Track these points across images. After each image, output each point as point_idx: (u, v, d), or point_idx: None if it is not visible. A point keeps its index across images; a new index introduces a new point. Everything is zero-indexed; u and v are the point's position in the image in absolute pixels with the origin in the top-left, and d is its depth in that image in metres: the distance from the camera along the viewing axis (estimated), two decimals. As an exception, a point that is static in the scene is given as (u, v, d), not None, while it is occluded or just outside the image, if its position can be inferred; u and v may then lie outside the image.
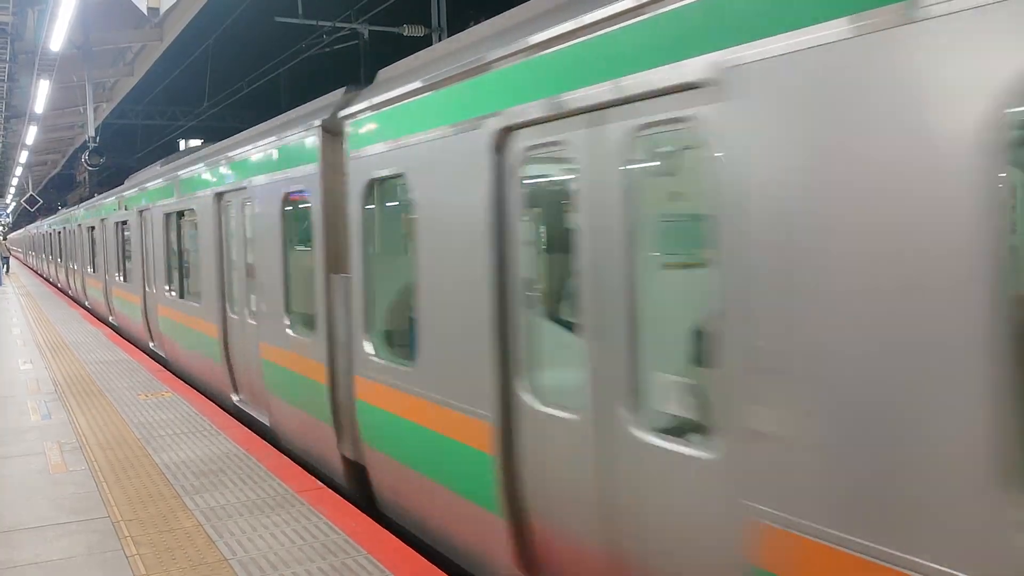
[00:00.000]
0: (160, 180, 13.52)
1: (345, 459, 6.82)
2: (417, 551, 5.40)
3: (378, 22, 21.30)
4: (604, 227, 3.88)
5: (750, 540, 3.07)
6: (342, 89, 7.14)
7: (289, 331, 7.75)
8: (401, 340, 5.87)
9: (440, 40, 20.51)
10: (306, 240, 7.58)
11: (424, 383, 5.32)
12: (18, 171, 39.32)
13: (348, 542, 5.47)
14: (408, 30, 21.00)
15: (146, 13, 9.05)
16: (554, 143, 4.21)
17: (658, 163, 3.91)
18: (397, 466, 5.84)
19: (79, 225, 25.35)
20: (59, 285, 34.38)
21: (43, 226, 44.96)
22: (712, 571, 3.32)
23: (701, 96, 3.24)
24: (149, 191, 14.41)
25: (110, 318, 20.00)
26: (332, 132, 6.92)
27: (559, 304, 4.57)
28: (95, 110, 19.83)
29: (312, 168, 7.14)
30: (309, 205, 7.28)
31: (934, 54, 2.44)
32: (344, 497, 6.42)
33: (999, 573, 2.32)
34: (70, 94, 20.76)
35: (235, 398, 9.89)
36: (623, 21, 3.62)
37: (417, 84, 5.40)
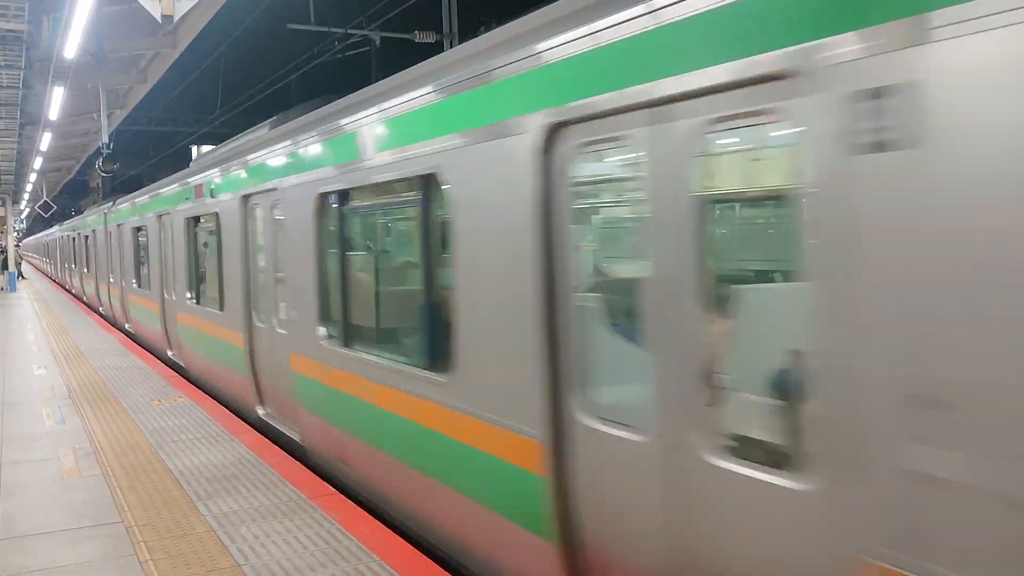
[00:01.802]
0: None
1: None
2: (430, 557, 5.40)
3: (390, 28, 21.35)
4: (263, 250, 9.14)
5: (291, 361, 8.04)
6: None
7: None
8: (214, 297, 10.99)
9: (451, 46, 20.55)
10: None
11: (226, 319, 10.34)
12: (32, 177, 39.57)
13: (361, 548, 5.47)
14: (420, 36, 21.04)
15: (160, 21, 9.11)
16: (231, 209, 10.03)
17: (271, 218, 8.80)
18: (199, 356, 12.28)
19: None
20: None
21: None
22: (285, 374, 8.27)
23: (277, 193, 8.32)
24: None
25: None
26: None
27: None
28: (108, 117, 19.92)
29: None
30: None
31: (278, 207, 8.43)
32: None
33: (321, 354, 7.38)
34: (84, 101, 20.88)
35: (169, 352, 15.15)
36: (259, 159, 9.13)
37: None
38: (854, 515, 2.78)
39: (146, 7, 8.90)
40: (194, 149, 44.82)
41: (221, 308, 10.47)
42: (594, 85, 3.86)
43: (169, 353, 14.45)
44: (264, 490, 6.79)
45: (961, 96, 2.42)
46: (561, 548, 4.29)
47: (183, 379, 12.53)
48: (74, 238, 31.32)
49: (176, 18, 9.17)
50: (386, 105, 6.02)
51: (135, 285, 17.49)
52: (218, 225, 10.58)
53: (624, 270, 4.22)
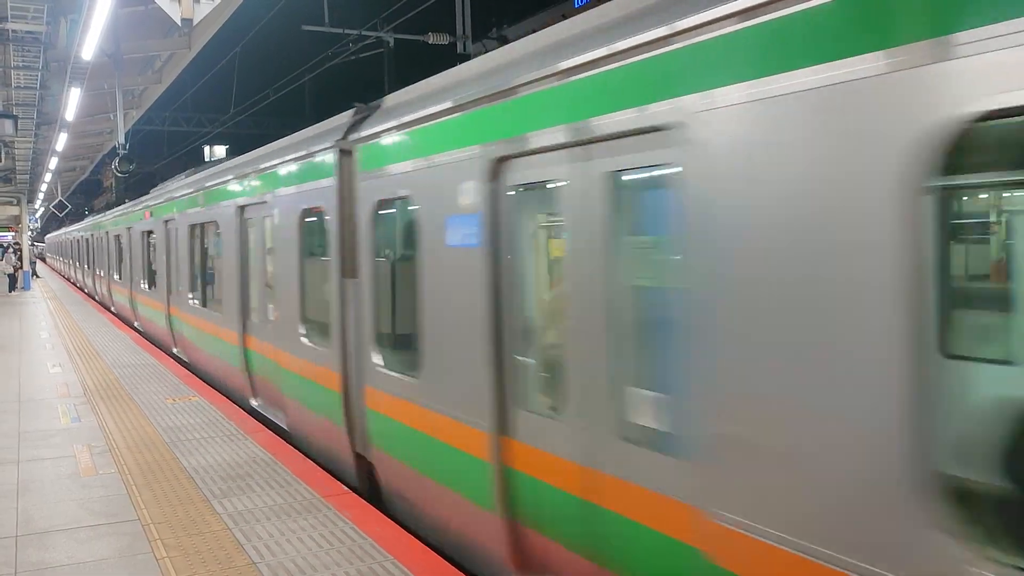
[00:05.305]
0: None
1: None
2: (441, 555, 5.43)
3: (403, 30, 21.43)
4: (174, 250, 15.42)
5: (181, 315, 14.77)
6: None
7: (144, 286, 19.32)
8: (152, 279, 18.39)
9: (465, 47, 20.57)
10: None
11: (156, 294, 17.29)
12: (47, 177, 39.86)
13: (375, 547, 5.50)
14: (433, 38, 21.12)
15: (179, 24, 9.19)
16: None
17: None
18: (146, 319, 18.99)
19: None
20: None
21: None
22: (180, 324, 15.19)
23: (175, 221, 15.17)
24: None
25: None
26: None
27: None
28: (124, 117, 20.08)
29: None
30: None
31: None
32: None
33: (189, 308, 14.39)
34: (99, 101, 21.04)
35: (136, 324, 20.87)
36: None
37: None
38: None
39: (165, 10, 8.97)
40: (206, 149, 44.91)
41: (152, 287, 17.87)
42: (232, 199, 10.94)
43: (135, 324, 21.12)
44: (279, 488, 6.84)
45: None
46: (247, 376, 10.39)
47: (197, 378, 12.62)
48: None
49: (195, 21, 9.23)
50: (204, 185, 12.72)
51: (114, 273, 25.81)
52: (156, 236, 17.07)
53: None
